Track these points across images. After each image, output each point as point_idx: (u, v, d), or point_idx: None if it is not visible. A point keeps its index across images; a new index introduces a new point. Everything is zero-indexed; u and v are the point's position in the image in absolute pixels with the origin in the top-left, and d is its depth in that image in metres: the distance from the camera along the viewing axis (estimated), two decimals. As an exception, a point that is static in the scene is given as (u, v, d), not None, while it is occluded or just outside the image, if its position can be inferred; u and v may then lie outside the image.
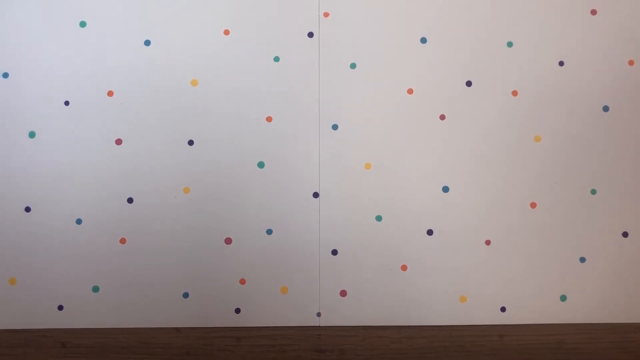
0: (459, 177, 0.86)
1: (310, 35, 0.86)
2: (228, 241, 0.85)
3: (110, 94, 0.85)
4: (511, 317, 0.86)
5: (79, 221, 0.85)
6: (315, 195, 0.85)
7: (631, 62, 0.86)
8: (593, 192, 0.86)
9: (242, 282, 0.85)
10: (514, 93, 0.86)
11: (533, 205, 0.86)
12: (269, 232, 0.85)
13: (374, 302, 0.85)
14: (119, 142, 0.85)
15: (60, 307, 0.85)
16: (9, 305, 0.85)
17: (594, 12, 0.87)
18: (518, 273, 0.86)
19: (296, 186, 0.85)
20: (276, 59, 0.86)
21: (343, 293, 0.85)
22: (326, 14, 0.86)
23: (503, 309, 0.86)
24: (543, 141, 0.86)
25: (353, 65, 0.86)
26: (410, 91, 0.86)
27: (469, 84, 0.86)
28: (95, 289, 0.85)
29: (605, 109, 0.86)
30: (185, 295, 0.85)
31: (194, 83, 0.85)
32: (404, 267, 0.85)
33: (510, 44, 0.86)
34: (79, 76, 0.85)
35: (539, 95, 0.86)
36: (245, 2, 0.86)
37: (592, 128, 0.86)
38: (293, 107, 0.85)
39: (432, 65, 0.86)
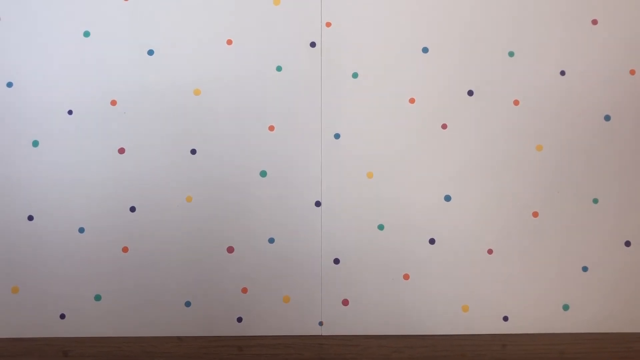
0: (460, 186, 0.86)
1: (313, 45, 0.86)
2: (230, 250, 0.85)
3: (113, 103, 0.86)
4: (513, 327, 0.85)
5: (81, 230, 0.85)
6: (317, 204, 0.85)
7: (632, 72, 0.87)
8: (595, 201, 0.86)
9: (244, 291, 0.85)
10: (516, 102, 0.86)
11: (535, 214, 0.86)
12: (271, 240, 0.85)
13: (376, 311, 0.85)
14: (121, 151, 0.85)
15: (62, 316, 0.85)
16: (11, 314, 0.85)
17: (594, 22, 0.87)
18: (520, 282, 0.86)
19: (298, 195, 0.85)
20: (278, 68, 0.86)
21: (345, 302, 0.85)
22: (328, 24, 0.86)
23: (505, 318, 0.85)
24: (544, 150, 0.86)
25: (355, 75, 0.86)
26: (412, 101, 0.86)
27: (470, 93, 0.86)
28: (98, 298, 0.85)
29: (607, 118, 0.86)
30: (188, 304, 0.85)
31: (197, 92, 0.86)
32: (406, 276, 0.85)
33: (511, 54, 0.87)
34: (82, 85, 0.86)
35: (540, 105, 0.86)
36: (248, 12, 0.87)
37: (594, 137, 0.86)
38: (295, 116, 0.86)
39: (433, 75, 0.86)
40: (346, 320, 0.85)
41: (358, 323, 0.85)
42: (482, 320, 0.85)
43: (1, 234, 0.85)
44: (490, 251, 0.86)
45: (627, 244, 0.86)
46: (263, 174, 0.85)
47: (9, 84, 0.86)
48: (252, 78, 0.86)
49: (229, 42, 0.86)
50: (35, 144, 0.85)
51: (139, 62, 0.86)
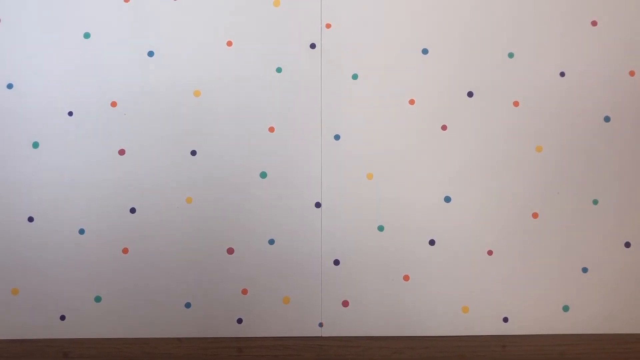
0: (460, 187, 0.86)
1: (313, 46, 0.86)
2: (230, 251, 0.85)
3: (113, 104, 0.86)
4: (513, 328, 0.85)
5: (81, 231, 0.85)
6: (317, 205, 0.85)
7: (632, 73, 0.87)
8: (595, 202, 0.86)
9: (244, 292, 0.85)
10: (515, 103, 0.86)
11: (535, 215, 0.86)
12: (271, 242, 0.85)
13: (376, 313, 0.85)
14: (122, 152, 0.85)
15: (63, 317, 0.85)
16: (11, 315, 0.85)
17: (594, 23, 0.87)
18: (520, 283, 0.86)
19: (298, 196, 0.85)
20: (278, 69, 0.86)
21: (345, 303, 0.85)
22: (328, 25, 0.86)
23: (505, 320, 0.85)
24: (544, 151, 0.86)
25: (355, 76, 0.86)
26: (411, 102, 0.86)
27: (470, 94, 0.86)
28: (98, 299, 0.85)
29: (607, 119, 0.87)
30: (188, 305, 0.85)
31: (197, 94, 0.86)
32: (406, 278, 0.85)
33: (511, 55, 0.87)
34: (82, 87, 0.86)
35: (540, 106, 0.86)
36: (248, 13, 0.87)
37: (594, 138, 0.86)
38: (295, 117, 0.86)
39: (433, 76, 0.86)
40: (346, 321, 0.85)
41: (358, 324, 0.85)
42: (482, 321, 0.85)
43: (1, 235, 0.85)
44: (490, 252, 0.86)
45: (627, 244, 0.86)
46: (263, 175, 0.86)
47: (9, 86, 0.86)
48: (252, 79, 0.86)
49: (229, 43, 0.86)
50: (36, 145, 0.85)
51: (139, 63, 0.86)
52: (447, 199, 0.86)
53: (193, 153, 0.86)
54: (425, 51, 0.87)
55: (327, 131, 0.86)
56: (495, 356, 0.83)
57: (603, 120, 0.87)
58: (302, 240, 0.85)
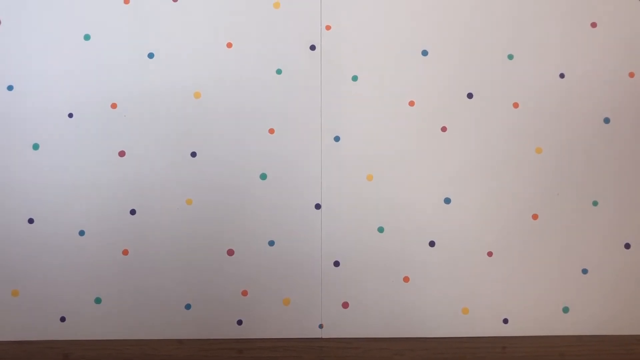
0: (460, 188, 0.86)
1: (313, 48, 0.86)
2: (230, 252, 0.85)
3: (113, 106, 0.86)
4: (514, 329, 0.85)
5: (81, 232, 0.85)
6: (317, 206, 0.86)
7: (631, 74, 0.87)
8: (595, 203, 0.86)
9: (244, 293, 0.85)
10: (515, 105, 0.86)
11: (535, 216, 0.86)
12: (271, 243, 0.85)
13: (376, 314, 0.85)
14: (122, 154, 0.86)
15: (63, 319, 0.85)
16: (11, 317, 0.85)
17: (594, 24, 0.87)
18: (520, 285, 0.86)
19: (298, 198, 0.85)
20: (278, 71, 0.86)
21: (345, 305, 0.85)
22: (328, 27, 0.87)
23: (505, 321, 0.85)
24: (544, 153, 0.86)
25: (355, 78, 0.86)
26: (411, 103, 0.86)
27: (470, 96, 0.86)
28: (98, 301, 0.85)
29: (606, 120, 0.87)
30: (188, 306, 0.85)
31: (197, 95, 0.86)
32: (406, 279, 0.85)
33: (510, 57, 0.87)
34: (82, 88, 0.86)
35: (539, 107, 0.87)
36: (248, 15, 0.87)
37: (593, 140, 0.87)
38: (295, 119, 0.86)
39: (433, 78, 0.86)
40: (346, 322, 0.85)
41: (358, 326, 0.85)
42: (482, 323, 0.85)
43: (1, 237, 0.85)
44: (490, 253, 0.86)
45: (627, 246, 0.86)
46: (263, 176, 0.86)
47: (10, 87, 0.86)
48: (252, 81, 0.86)
49: (229, 45, 0.86)
50: (36, 147, 0.85)
51: (139, 65, 0.86)
52: (447, 200, 0.86)
53: (193, 154, 0.86)
54: (425, 52, 0.87)
55: (327, 132, 0.86)
56: (495, 357, 0.83)
57: (603, 121, 0.87)
58: (302, 242, 0.85)
